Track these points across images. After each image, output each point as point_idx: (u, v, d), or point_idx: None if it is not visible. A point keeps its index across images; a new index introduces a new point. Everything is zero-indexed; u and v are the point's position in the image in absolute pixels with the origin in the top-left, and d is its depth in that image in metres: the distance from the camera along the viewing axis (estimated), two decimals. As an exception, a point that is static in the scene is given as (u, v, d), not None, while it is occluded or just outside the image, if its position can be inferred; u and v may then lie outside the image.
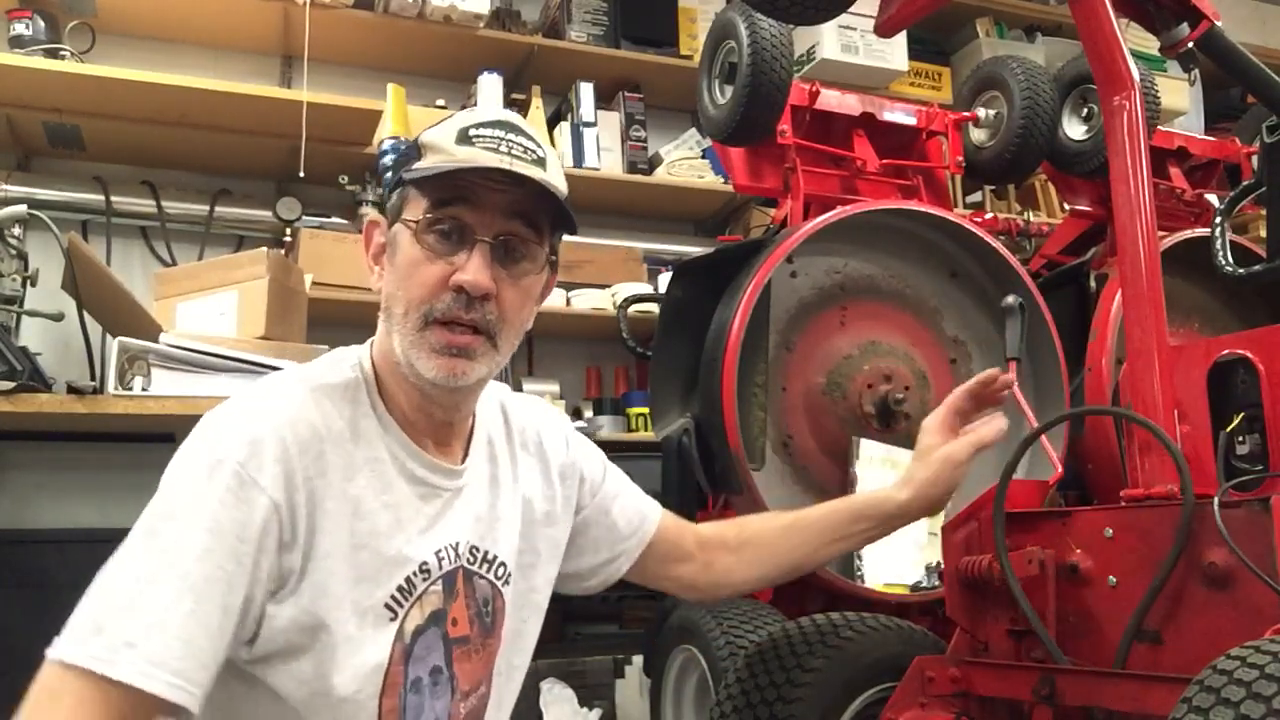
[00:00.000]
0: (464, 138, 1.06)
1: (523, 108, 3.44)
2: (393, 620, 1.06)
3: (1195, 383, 1.53)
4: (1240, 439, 1.51)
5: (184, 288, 2.51)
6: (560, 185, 1.09)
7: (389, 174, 3.05)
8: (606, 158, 3.51)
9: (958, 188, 3.54)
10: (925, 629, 1.52)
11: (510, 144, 1.06)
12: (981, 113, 2.48)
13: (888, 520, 1.39)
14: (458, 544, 1.13)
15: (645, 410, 3.33)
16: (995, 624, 1.48)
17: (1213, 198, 2.65)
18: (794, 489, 2.25)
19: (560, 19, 3.58)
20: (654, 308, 3.29)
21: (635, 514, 1.36)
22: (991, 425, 1.40)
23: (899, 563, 2.26)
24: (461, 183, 1.06)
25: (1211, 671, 0.96)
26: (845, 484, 2.24)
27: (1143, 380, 1.43)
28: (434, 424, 1.14)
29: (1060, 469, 1.59)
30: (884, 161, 2.40)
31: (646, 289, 3.37)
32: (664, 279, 3.51)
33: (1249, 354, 1.49)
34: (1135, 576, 1.34)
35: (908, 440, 2.27)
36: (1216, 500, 1.23)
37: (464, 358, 1.07)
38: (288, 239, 3.15)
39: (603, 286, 3.39)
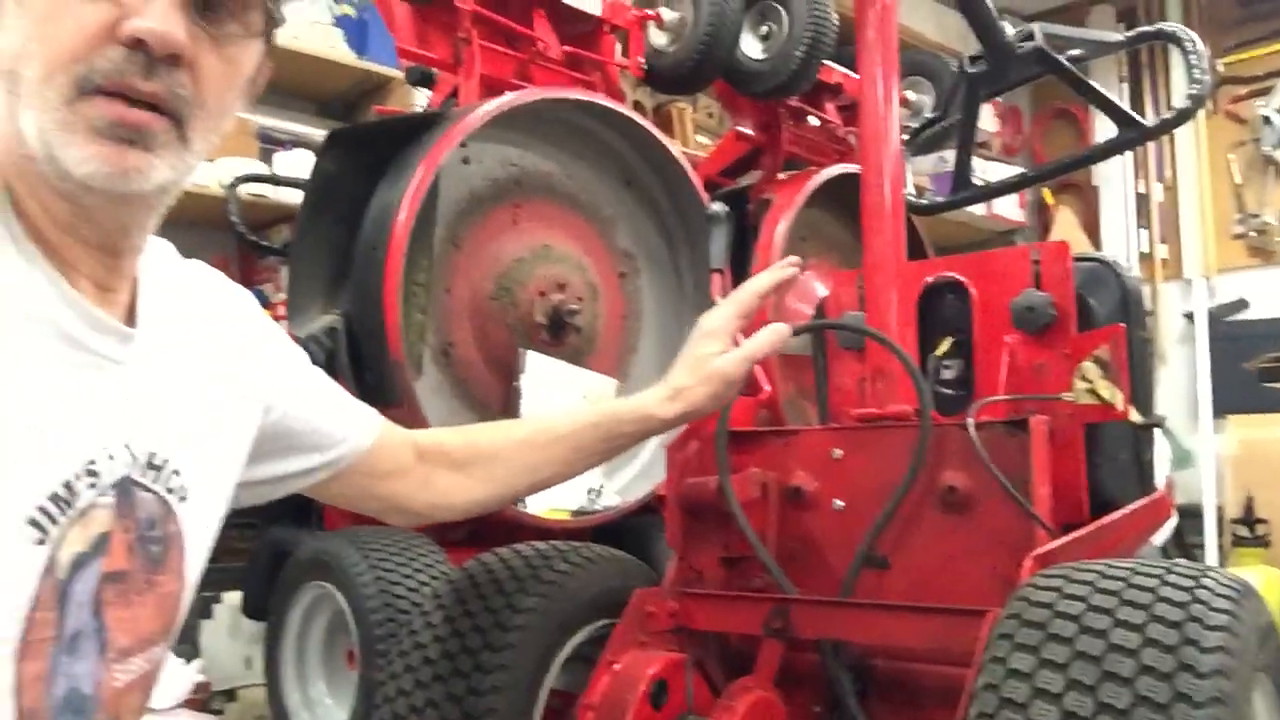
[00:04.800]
0: None
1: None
2: (41, 543, 0.73)
3: (906, 305, 1.50)
4: (946, 363, 1.50)
5: None
6: None
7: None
8: (217, 7, 2.94)
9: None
10: (638, 560, 1.36)
11: None
12: (665, 14, 2.34)
13: (647, 435, 1.19)
14: (128, 442, 0.80)
15: (254, 310, 2.87)
16: (709, 551, 1.36)
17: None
18: (453, 403, 2.01)
19: None
20: (270, 190, 2.85)
21: (344, 417, 1.06)
22: (769, 334, 1.16)
23: (560, 487, 2.11)
24: None
25: (1025, 604, 0.88)
26: (508, 398, 2.04)
27: (880, 296, 1.36)
28: (90, 255, 0.78)
29: (769, 387, 1.49)
30: (566, 49, 2.19)
31: (261, 168, 2.89)
32: (280, 159, 3.05)
33: (962, 278, 1.48)
34: (863, 501, 1.28)
35: (575, 355, 2.11)
36: (971, 422, 1.18)
37: (138, 146, 0.73)
38: None
39: (205, 161, 2.85)
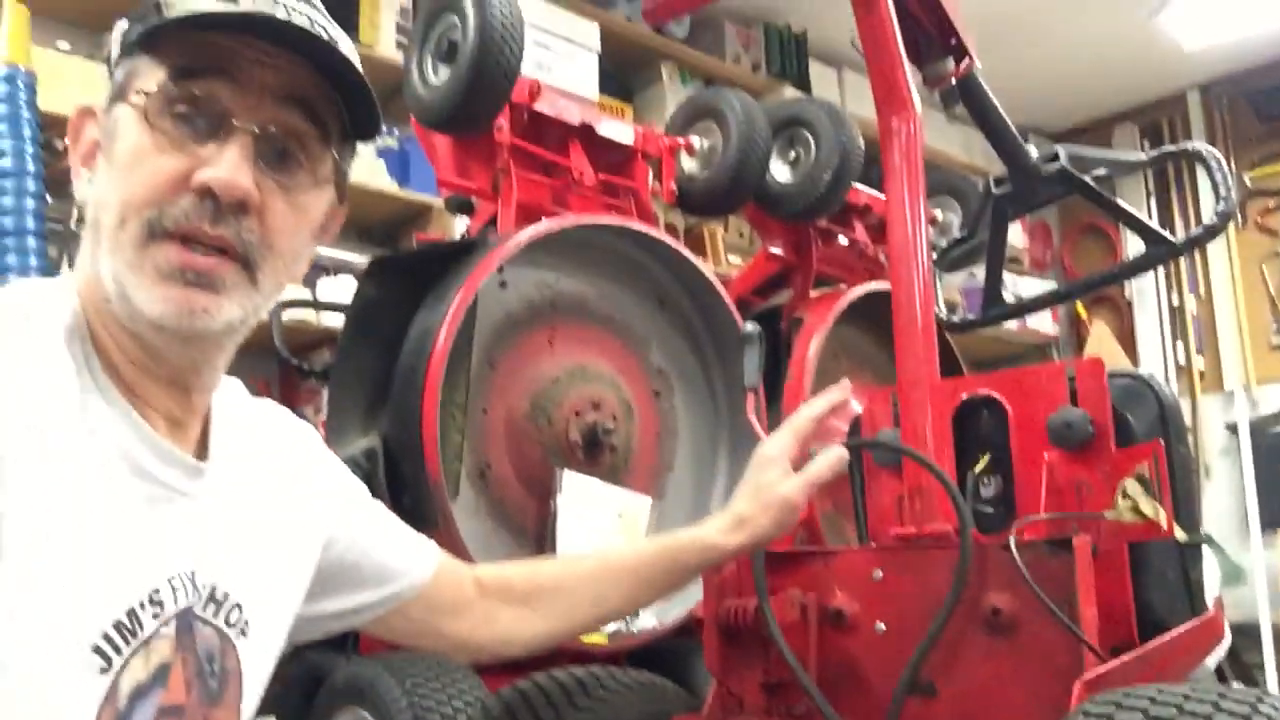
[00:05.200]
0: None
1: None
2: (104, 671, 0.73)
3: (942, 422, 1.50)
4: (984, 481, 1.49)
5: None
6: (358, 63, 0.82)
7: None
8: (267, 143, 3.06)
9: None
10: (676, 685, 1.34)
11: (290, 9, 0.78)
12: (696, 141, 2.42)
13: (709, 565, 1.19)
14: (193, 573, 0.81)
15: (293, 432, 2.91)
16: (749, 675, 1.33)
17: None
18: (488, 523, 2.01)
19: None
20: (311, 315, 2.93)
21: (403, 553, 1.07)
22: (828, 460, 1.18)
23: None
24: (218, 48, 0.78)
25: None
26: (544, 518, 2.03)
27: (915, 413, 1.36)
28: (162, 391, 0.82)
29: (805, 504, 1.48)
30: (600, 177, 2.25)
31: (304, 293, 2.98)
32: (323, 284, 3.14)
33: (998, 395, 1.48)
34: (906, 623, 1.25)
35: (610, 474, 2.11)
36: (1012, 541, 1.16)
37: (205, 288, 0.76)
38: None
39: (252, 290, 2.94)
